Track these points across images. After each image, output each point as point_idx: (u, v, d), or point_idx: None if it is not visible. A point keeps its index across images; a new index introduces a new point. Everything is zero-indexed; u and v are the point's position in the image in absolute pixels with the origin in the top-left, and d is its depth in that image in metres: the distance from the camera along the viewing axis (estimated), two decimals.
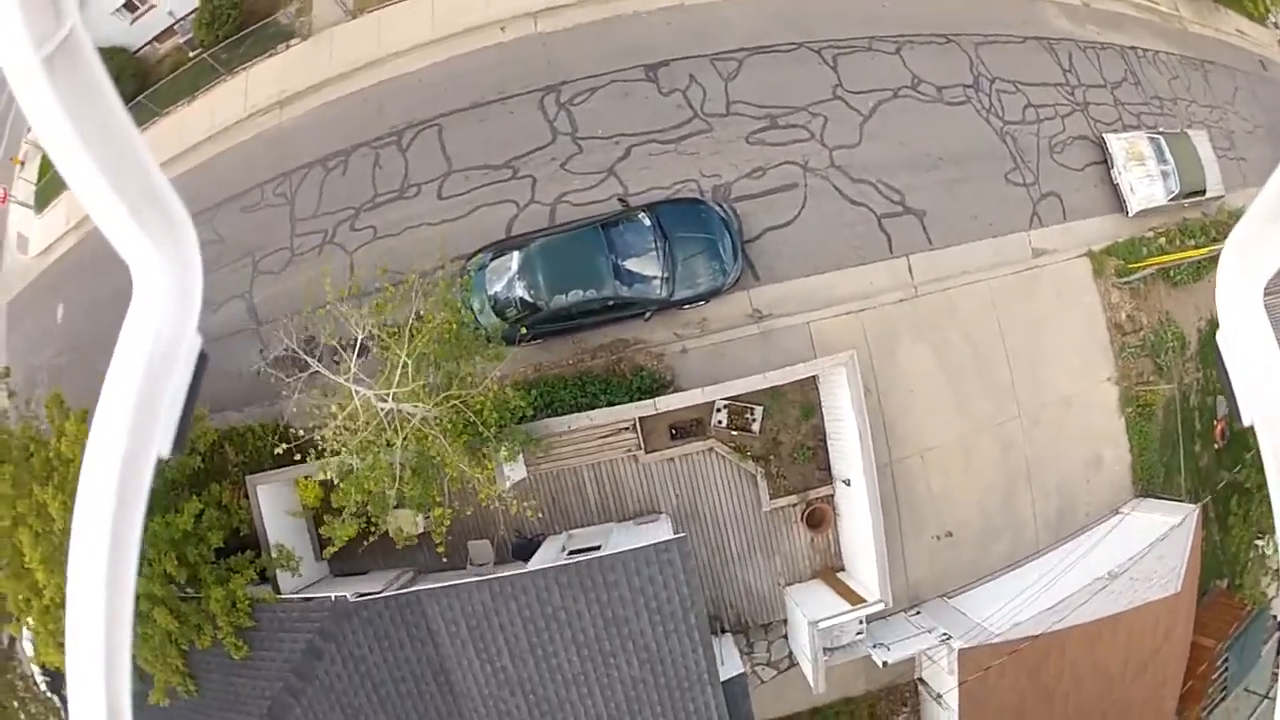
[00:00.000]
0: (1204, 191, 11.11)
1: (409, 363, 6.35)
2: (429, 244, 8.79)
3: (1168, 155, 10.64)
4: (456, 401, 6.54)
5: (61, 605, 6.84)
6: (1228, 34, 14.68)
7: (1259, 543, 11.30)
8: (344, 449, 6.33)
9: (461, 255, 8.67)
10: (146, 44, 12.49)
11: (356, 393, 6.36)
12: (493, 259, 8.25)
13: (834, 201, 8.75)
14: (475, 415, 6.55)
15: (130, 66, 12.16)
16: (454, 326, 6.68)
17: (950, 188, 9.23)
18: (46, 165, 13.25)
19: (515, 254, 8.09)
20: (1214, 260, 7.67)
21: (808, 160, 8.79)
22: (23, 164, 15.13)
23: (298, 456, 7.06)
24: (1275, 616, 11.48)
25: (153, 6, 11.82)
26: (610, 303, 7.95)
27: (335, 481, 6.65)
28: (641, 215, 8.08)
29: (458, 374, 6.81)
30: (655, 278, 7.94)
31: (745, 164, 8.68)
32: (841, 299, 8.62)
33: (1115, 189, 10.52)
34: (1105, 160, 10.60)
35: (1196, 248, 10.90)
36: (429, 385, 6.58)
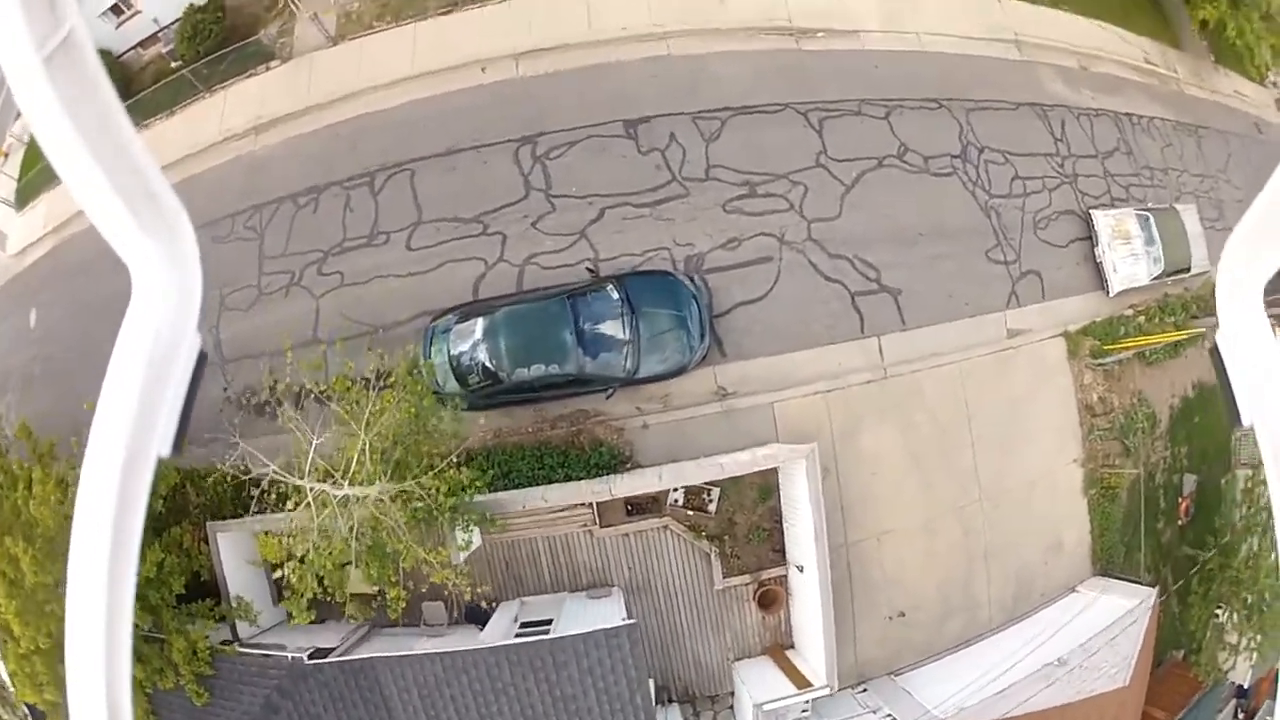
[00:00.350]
0: (1189, 269, 10.92)
1: (367, 446, 6.17)
2: (396, 296, 8.56)
3: (1154, 233, 10.42)
4: (413, 483, 6.37)
5: (38, 653, 6.72)
6: (1225, 95, 14.38)
7: (1218, 613, 11.29)
8: (299, 541, 6.18)
9: (427, 311, 8.40)
10: (130, 49, 12.00)
11: (311, 489, 6.19)
12: (458, 322, 7.99)
13: (809, 277, 8.50)
14: (430, 500, 6.38)
15: (114, 71, 11.49)
16: (413, 411, 6.49)
17: (929, 265, 8.99)
18: (30, 162, 12.81)
19: (480, 320, 7.85)
20: (1192, 339, 7.40)
21: (785, 232, 8.51)
22: (5, 157, 14.63)
23: (257, 506, 6.91)
24: (1234, 683, 11.54)
25: (138, 12, 11.31)
26: (573, 378, 7.73)
27: (291, 564, 6.47)
28: (610, 288, 7.82)
29: (417, 454, 6.64)
30: (620, 354, 7.72)
31: (721, 234, 8.40)
32: (808, 379, 8.43)
33: (1098, 267, 10.30)
34: (1090, 237, 10.36)
35: (1176, 326, 10.74)
36: (386, 464, 6.41)
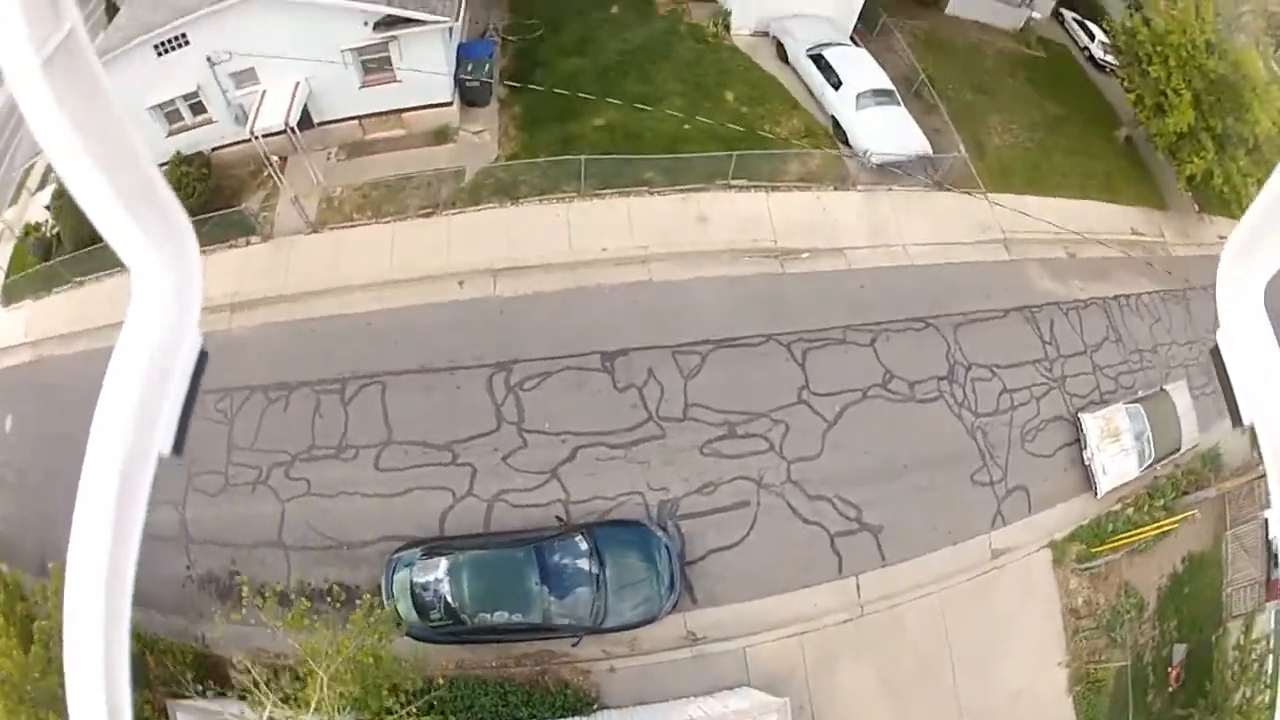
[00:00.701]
0: (1179, 449, 10.64)
1: (324, 682, 5.82)
2: (363, 515, 8.22)
3: (1145, 424, 10.14)
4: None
5: None
6: (1211, 244, 14.30)
7: None
8: None
9: (392, 536, 8.05)
10: None
11: (271, 714, 5.83)
12: (423, 557, 7.64)
13: (786, 521, 8.17)
14: None
15: None
16: (372, 657, 6.15)
17: (912, 498, 8.67)
18: (17, 262, 12.55)
19: (445, 560, 7.49)
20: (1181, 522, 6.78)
21: (763, 475, 8.21)
22: None
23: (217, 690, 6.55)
24: None
25: None
26: (538, 625, 7.36)
27: None
28: (578, 538, 7.49)
29: (376, 692, 6.29)
30: (588, 605, 7.37)
31: (697, 478, 8.09)
32: (782, 622, 8.06)
33: (1086, 469, 10.00)
34: (1078, 440, 10.08)
35: (1166, 509, 10.43)
36: (345, 699, 6.09)
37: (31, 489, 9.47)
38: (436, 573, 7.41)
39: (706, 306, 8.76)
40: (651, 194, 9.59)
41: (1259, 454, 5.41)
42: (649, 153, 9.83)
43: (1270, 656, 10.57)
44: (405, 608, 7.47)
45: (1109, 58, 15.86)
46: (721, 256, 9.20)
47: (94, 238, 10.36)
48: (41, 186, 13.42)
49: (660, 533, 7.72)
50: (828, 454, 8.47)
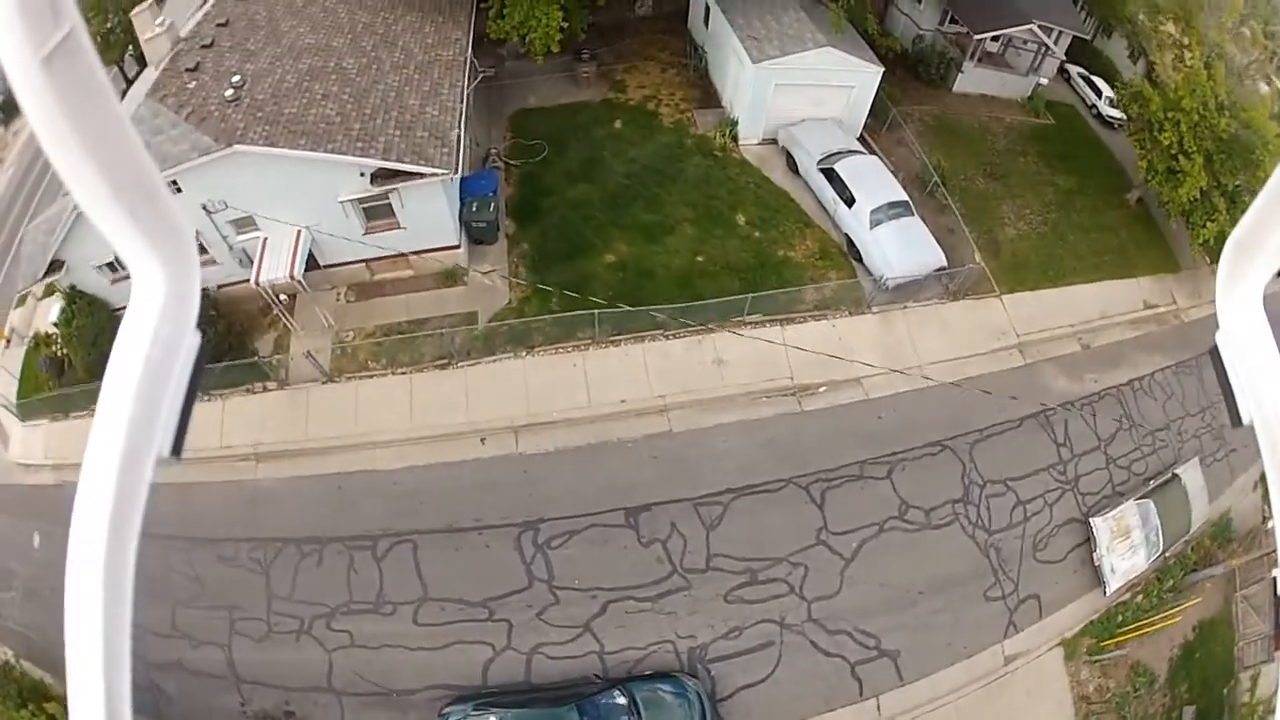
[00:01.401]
0: (1189, 531, 12.35)
1: None
2: (407, 666, 9.81)
3: (1154, 518, 11.82)
4: None
5: None
6: None
7: None
8: None
9: (439, 685, 9.65)
10: (121, 309, 13.12)
11: None
12: (473, 712, 9.25)
13: (809, 656, 9.86)
14: None
15: (109, 325, 12.83)
16: None
17: (927, 621, 10.36)
18: (28, 375, 13.92)
19: (492, 717, 9.11)
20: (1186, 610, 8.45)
21: (785, 616, 9.87)
22: (7, 343, 15.81)
23: None
24: None
25: (127, 277, 12.41)
26: None
27: None
28: (616, 692, 9.12)
29: None
30: None
31: (723, 624, 9.74)
32: None
33: (1096, 569, 11.71)
34: (1089, 539, 11.77)
35: (1174, 590, 12.16)
36: None
37: (54, 607, 10.88)
38: None
39: (727, 454, 10.34)
40: (666, 337, 11.15)
41: (1267, 509, 7.13)
42: (662, 290, 11.40)
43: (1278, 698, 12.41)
44: None
45: (1116, 113, 17.32)
46: (739, 400, 10.80)
47: (104, 356, 12.01)
48: (49, 293, 14.44)
49: (691, 680, 9.38)
50: (846, 590, 10.13)
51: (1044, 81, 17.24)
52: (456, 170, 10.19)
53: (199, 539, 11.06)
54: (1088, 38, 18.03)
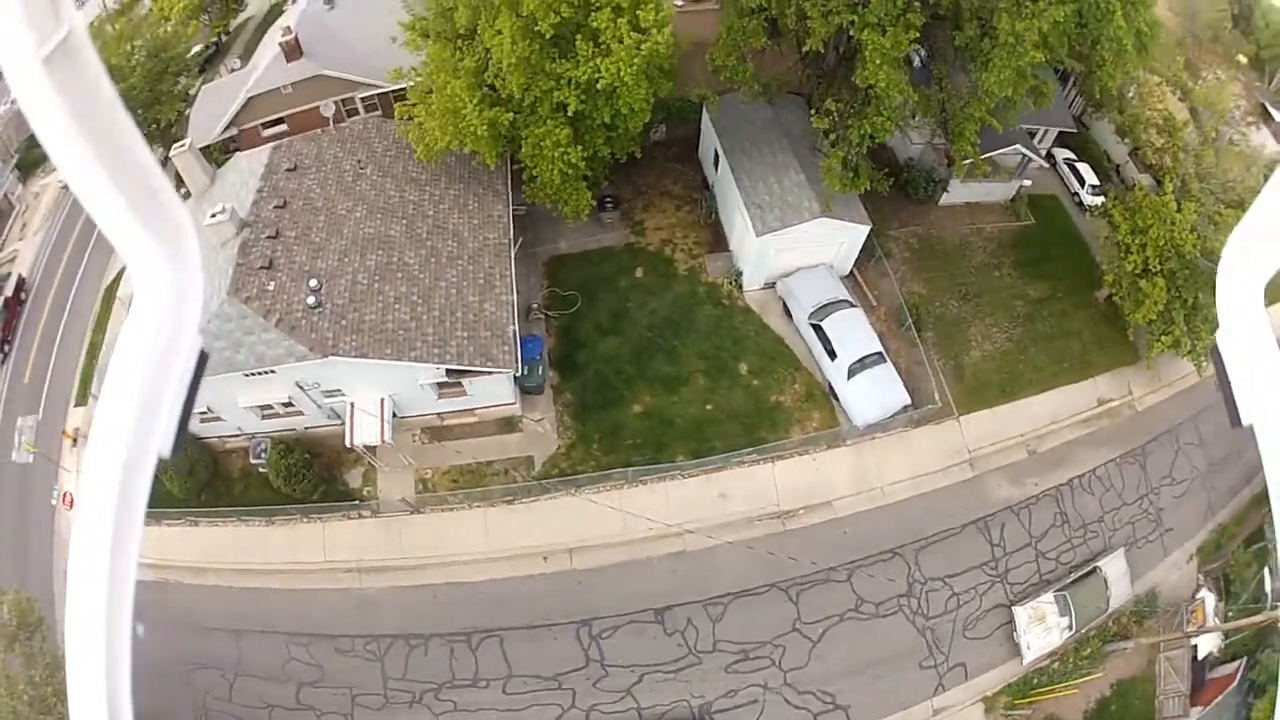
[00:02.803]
0: (1105, 613, 20.62)
1: None
2: None
3: (1069, 606, 20.03)
4: None
5: None
6: (1180, 379, 23.57)
7: None
8: None
9: None
10: (215, 437, 20.69)
11: None
12: None
13: (783, 709, 18.22)
14: None
15: (200, 458, 20.45)
16: None
17: (873, 684, 18.66)
18: None
19: None
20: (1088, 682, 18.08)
21: (767, 682, 18.14)
22: (75, 443, 23.54)
23: None
24: None
25: (220, 419, 19.91)
26: None
27: None
28: None
29: None
30: None
31: (723, 687, 18.01)
32: None
33: (1016, 644, 19.96)
34: (1013, 619, 19.95)
35: (1090, 657, 20.62)
36: None
37: (149, 691, 18.93)
38: None
39: (728, 567, 18.22)
40: (684, 477, 18.82)
41: (1201, 579, 18.19)
42: (679, 436, 19.22)
43: None
44: None
45: (1097, 200, 24.23)
46: (737, 524, 18.61)
47: (207, 485, 19.76)
48: None
49: None
50: (813, 663, 18.35)
51: (1028, 184, 23.93)
52: (517, 369, 17.36)
53: (317, 634, 19.13)
54: (1074, 130, 24.45)
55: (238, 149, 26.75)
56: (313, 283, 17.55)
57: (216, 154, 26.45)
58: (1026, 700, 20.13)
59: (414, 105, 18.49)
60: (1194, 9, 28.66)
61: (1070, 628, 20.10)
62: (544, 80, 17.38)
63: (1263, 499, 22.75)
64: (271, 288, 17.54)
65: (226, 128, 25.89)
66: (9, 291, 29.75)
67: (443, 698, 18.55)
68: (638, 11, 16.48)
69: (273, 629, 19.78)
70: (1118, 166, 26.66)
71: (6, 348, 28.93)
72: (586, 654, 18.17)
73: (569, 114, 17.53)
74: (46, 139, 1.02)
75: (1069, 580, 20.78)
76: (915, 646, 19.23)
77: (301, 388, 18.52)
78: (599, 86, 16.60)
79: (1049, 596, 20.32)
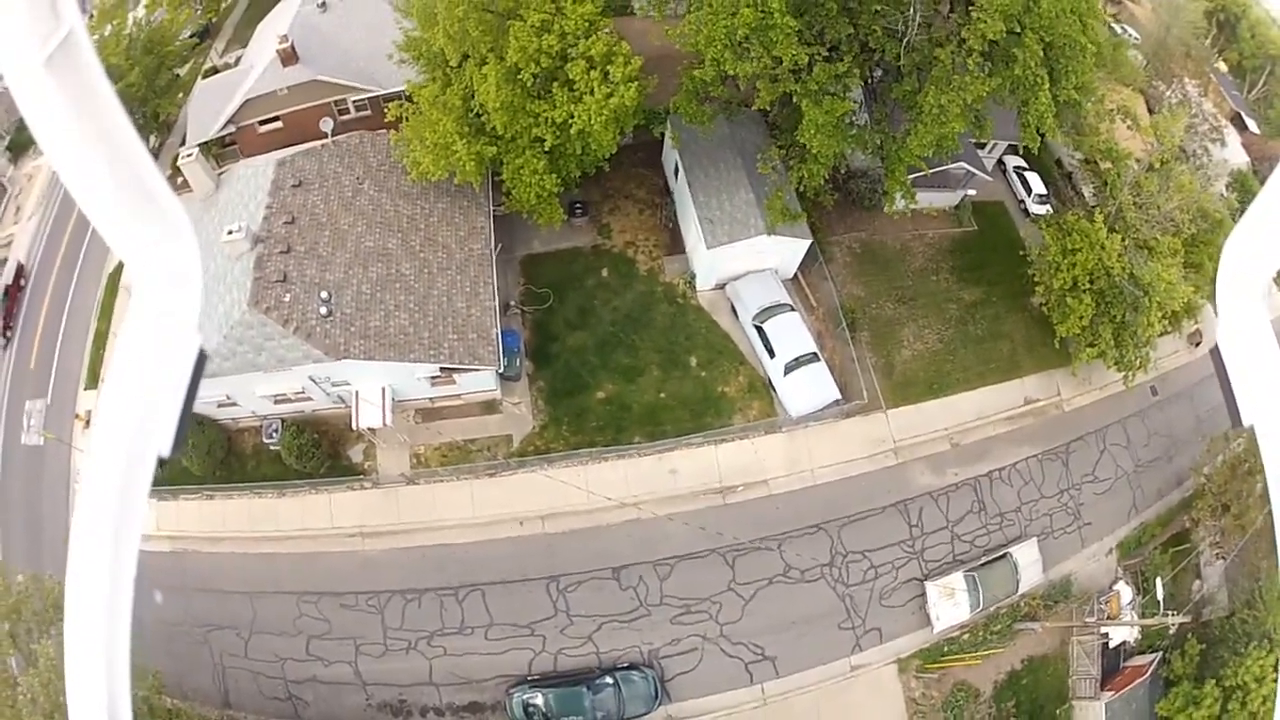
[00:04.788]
0: (1014, 594, 28.69)
1: None
2: (481, 664, 26.46)
3: (977, 585, 28.08)
4: None
5: None
6: (1108, 383, 31.34)
7: None
8: None
9: (500, 675, 26.20)
10: (229, 419, 28.66)
11: None
12: (528, 690, 25.84)
13: (719, 657, 26.35)
14: None
15: (218, 438, 28.42)
16: None
17: (797, 639, 26.75)
18: None
19: (539, 692, 25.72)
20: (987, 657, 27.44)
21: (706, 633, 26.25)
22: (87, 424, 31.52)
23: None
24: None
25: (236, 404, 27.87)
26: (587, 717, 25.80)
27: None
28: (607, 678, 25.64)
29: None
30: (614, 707, 25.74)
31: (669, 636, 26.14)
32: (717, 709, 26.52)
33: (928, 614, 27.97)
34: (924, 594, 27.98)
35: (999, 634, 28.77)
36: None
37: (174, 654, 27.00)
38: (536, 698, 25.63)
39: (675, 534, 26.20)
40: (639, 456, 26.71)
41: (1120, 571, 29.01)
42: (637, 421, 27.03)
43: None
44: (520, 715, 25.81)
45: (1042, 209, 31.86)
46: (685, 497, 26.56)
47: (222, 463, 28.09)
48: None
49: (649, 669, 25.83)
50: (745, 619, 26.44)
51: (972, 193, 31.39)
52: (499, 365, 25.11)
53: (324, 593, 27.25)
54: (1021, 146, 31.88)
55: (234, 145, 34.42)
56: (324, 294, 25.22)
57: (214, 149, 34.07)
58: (936, 665, 28.32)
59: (410, 142, 25.95)
60: (1168, 23, 35.55)
61: (978, 605, 28.13)
62: (524, 118, 24.85)
63: (1189, 503, 30.96)
64: (288, 299, 25.24)
65: (224, 126, 33.38)
66: (8, 278, 37.44)
67: (434, 644, 26.69)
68: (608, 66, 23.86)
69: (284, 589, 27.90)
70: (1069, 174, 34.05)
71: (9, 333, 36.73)
72: (555, 605, 26.22)
73: (545, 147, 25.04)
74: (45, 140, 1.26)
75: (980, 562, 28.79)
76: (835, 609, 27.29)
77: (314, 380, 26.30)
78: (572, 131, 24.09)
79: (959, 575, 28.31)
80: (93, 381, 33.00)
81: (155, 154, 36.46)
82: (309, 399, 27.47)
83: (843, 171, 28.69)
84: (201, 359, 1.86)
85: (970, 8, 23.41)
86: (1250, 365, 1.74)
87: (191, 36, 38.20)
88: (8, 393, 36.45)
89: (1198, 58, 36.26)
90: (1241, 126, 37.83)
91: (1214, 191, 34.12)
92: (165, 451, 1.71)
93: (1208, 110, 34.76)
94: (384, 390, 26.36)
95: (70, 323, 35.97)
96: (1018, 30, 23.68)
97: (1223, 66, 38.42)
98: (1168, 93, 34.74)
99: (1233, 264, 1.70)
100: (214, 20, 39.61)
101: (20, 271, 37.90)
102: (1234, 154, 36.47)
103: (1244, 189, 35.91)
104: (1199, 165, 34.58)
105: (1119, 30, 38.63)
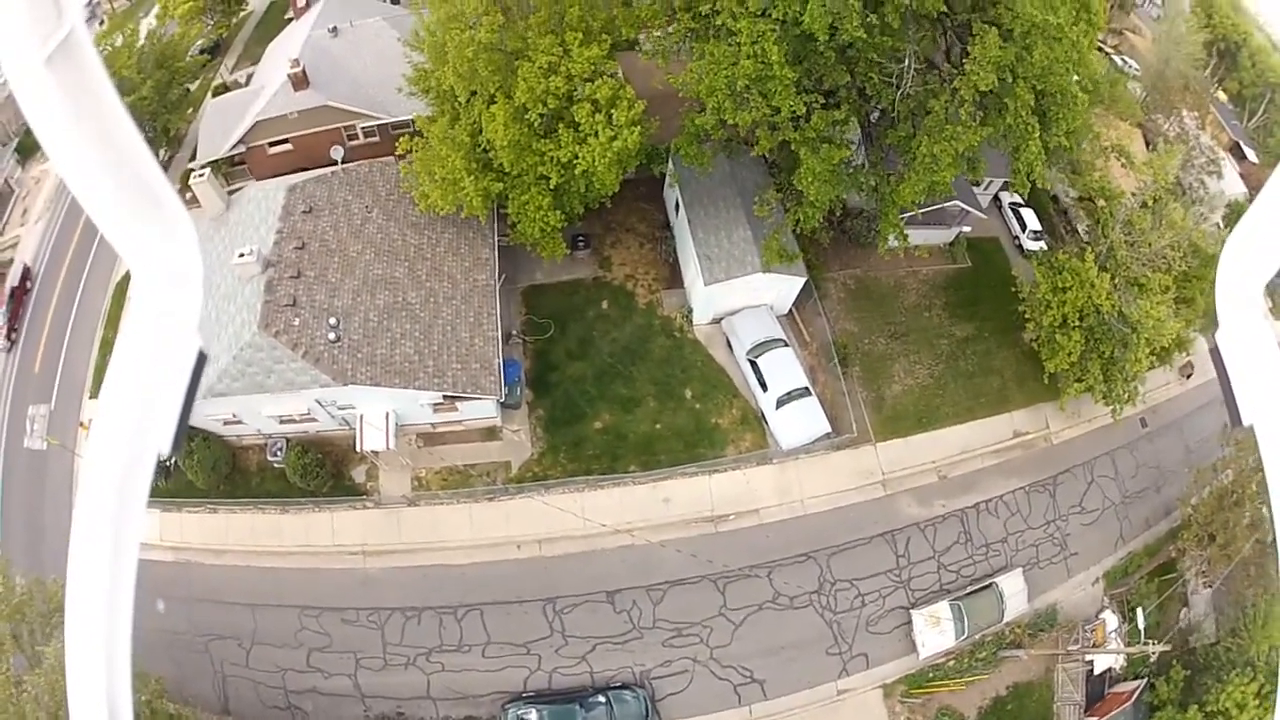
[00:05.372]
0: (999, 623, 31.13)
1: None
2: (478, 681, 28.97)
3: (963, 614, 30.53)
4: None
5: None
6: (1097, 417, 33.72)
7: None
8: None
9: (496, 691, 28.64)
10: (233, 436, 31.10)
11: None
12: (522, 706, 28.29)
13: (709, 680, 28.80)
14: None
15: (223, 453, 30.86)
16: None
17: (785, 664, 29.18)
18: None
19: (533, 709, 28.16)
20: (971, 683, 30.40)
21: (696, 656, 28.69)
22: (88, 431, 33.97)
23: None
24: None
25: (241, 422, 30.32)
26: None
27: None
28: (600, 697, 28.09)
29: None
30: None
31: (661, 658, 28.58)
32: None
33: (914, 641, 30.39)
34: (910, 621, 30.38)
35: (984, 661, 31.21)
36: None
37: (176, 660, 29.45)
38: (531, 714, 28.10)
39: (667, 560, 28.61)
40: (634, 484, 29.16)
41: (1105, 600, 32.49)
42: (632, 450, 29.47)
43: None
44: None
45: (1036, 245, 34.22)
46: (677, 525, 29.00)
47: (226, 478, 30.67)
48: None
49: (641, 690, 28.27)
50: (735, 643, 28.87)
51: (966, 229, 33.76)
52: (500, 395, 27.52)
53: (326, 607, 29.70)
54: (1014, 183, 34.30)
55: (244, 164, 36.87)
56: (332, 319, 27.62)
57: (224, 167, 36.50)
58: (921, 690, 30.73)
59: (420, 176, 28.34)
60: (1167, 56, 37.88)
61: (963, 633, 30.53)
62: (530, 156, 27.24)
63: (1176, 533, 33.36)
64: (297, 323, 27.64)
65: (234, 145, 35.81)
66: (14, 281, 39.87)
67: (433, 660, 29.11)
68: (612, 110, 26.23)
69: (286, 603, 30.33)
70: (1065, 210, 36.43)
71: (14, 336, 39.13)
72: (551, 626, 28.63)
73: (550, 185, 27.41)
74: (47, 140, 1.30)
75: (966, 591, 31.18)
76: (823, 635, 29.69)
77: (319, 403, 28.72)
78: (576, 171, 26.47)
79: (944, 604, 30.70)
80: (98, 390, 35.31)
81: (164, 168, 38.77)
82: (313, 420, 29.88)
83: (838, 211, 31.07)
84: (201, 359, 2.02)
85: (964, 60, 25.76)
86: (1250, 365, 1.87)
87: (202, 53, 40.63)
88: (11, 396, 38.97)
89: (1197, 90, 38.52)
90: (1240, 156, 40.12)
91: (1210, 224, 36.44)
92: (165, 451, 1.88)
93: (1205, 144, 37.07)
94: (388, 415, 28.77)
95: (76, 328, 38.43)
96: (1009, 79, 26.04)
97: (1222, 96, 40.72)
98: (1166, 126, 37.04)
99: (1233, 264, 1.83)
100: (224, 36, 42.07)
101: (26, 274, 40.37)
102: (1232, 185, 38.83)
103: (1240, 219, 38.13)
104: (1195, 199, 36.85)
105: (1119, 62, 41.18)
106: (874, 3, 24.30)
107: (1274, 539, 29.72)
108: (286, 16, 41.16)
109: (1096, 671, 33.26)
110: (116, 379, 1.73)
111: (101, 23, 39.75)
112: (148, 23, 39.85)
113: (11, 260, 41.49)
